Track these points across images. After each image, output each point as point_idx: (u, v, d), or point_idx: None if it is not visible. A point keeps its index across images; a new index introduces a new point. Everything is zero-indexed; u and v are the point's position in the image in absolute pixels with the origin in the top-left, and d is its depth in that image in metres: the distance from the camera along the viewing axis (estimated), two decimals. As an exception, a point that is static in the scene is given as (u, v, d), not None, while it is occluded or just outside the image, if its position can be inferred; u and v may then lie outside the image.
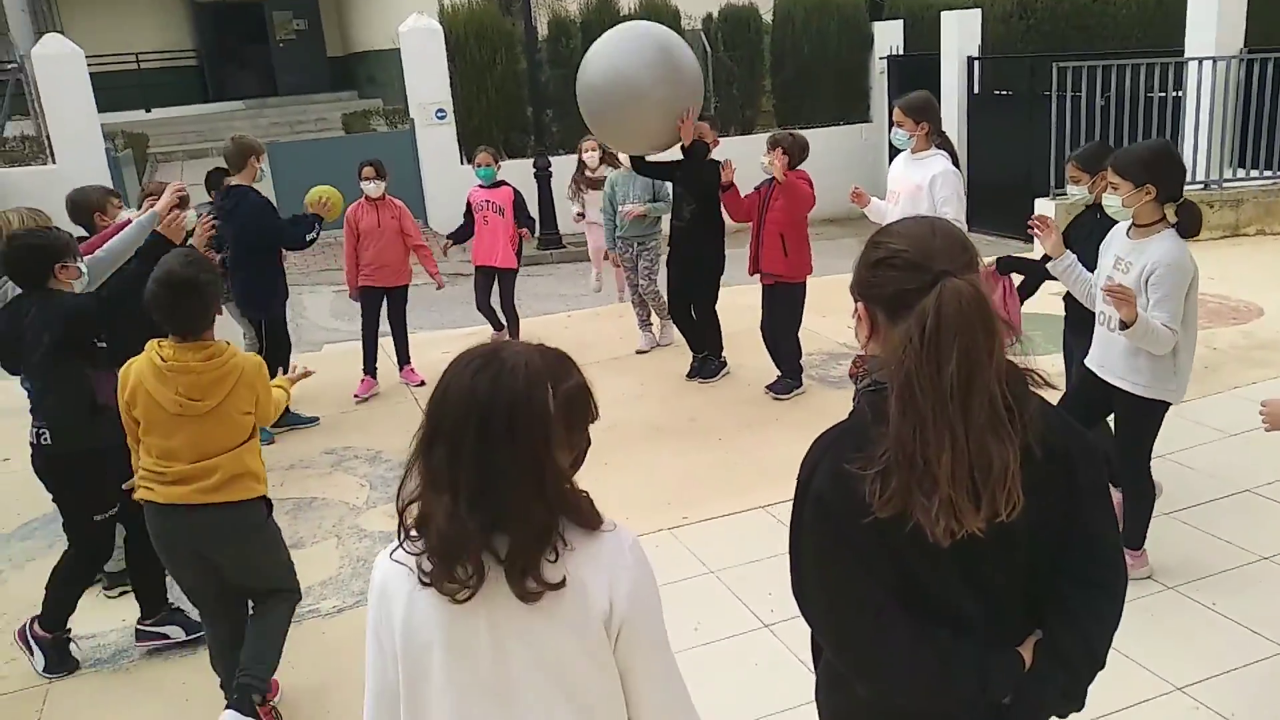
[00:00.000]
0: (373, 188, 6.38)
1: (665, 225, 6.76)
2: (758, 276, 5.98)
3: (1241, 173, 9.43)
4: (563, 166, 11.94)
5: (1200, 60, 9.40)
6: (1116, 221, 3.65)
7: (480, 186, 7.02)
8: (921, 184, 4.91)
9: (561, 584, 1.42)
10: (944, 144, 5.03)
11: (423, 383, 6.68)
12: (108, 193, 4.79)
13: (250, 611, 3.29)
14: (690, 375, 6.55)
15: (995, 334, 1.52)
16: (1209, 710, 3.10)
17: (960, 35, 12.29)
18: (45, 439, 3.51)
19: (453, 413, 1.41)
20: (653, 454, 5.44)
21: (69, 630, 3.78)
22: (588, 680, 1.47)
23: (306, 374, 3.53)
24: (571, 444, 1.51)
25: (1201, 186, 9.36)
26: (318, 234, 5.84)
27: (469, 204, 7.05)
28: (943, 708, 1.67)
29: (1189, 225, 3.52)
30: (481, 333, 7.33)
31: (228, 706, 3.11)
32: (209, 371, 2.99)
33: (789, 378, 6.05)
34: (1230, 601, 3.67)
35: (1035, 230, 3.78)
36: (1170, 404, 3.68)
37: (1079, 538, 1.67)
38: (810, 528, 1.63)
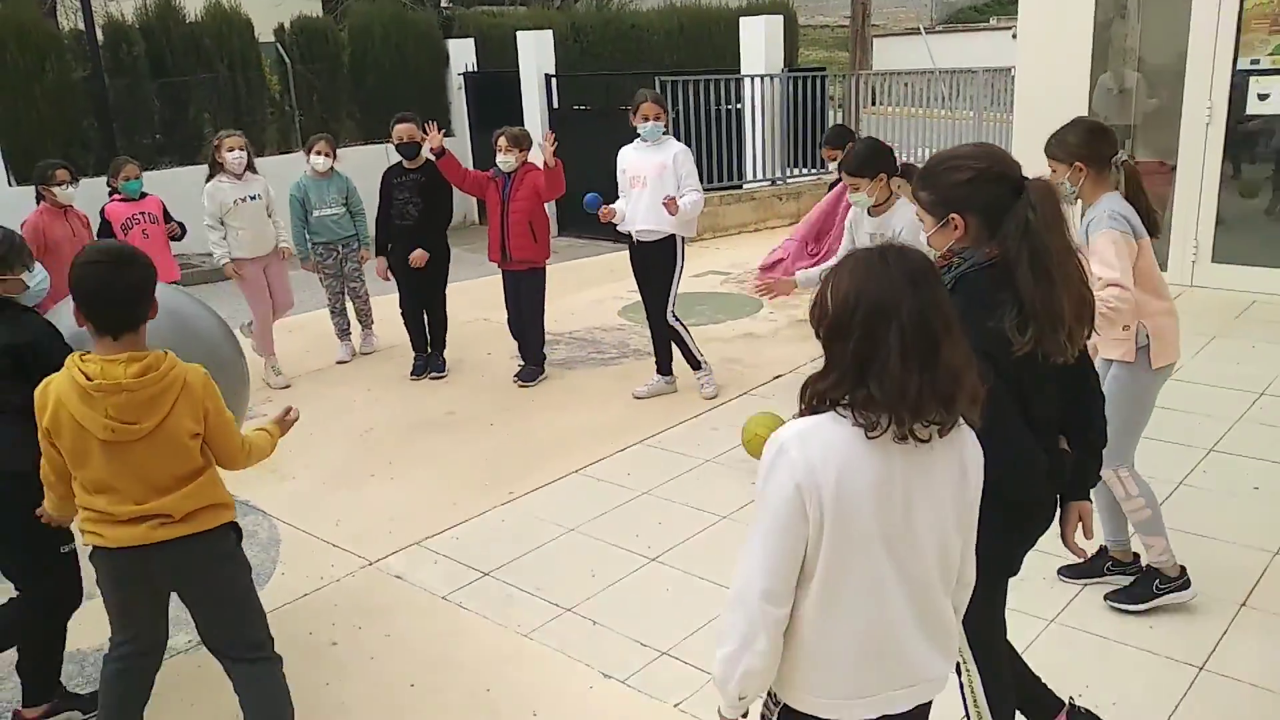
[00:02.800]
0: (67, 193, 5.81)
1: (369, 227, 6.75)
2: (496, 266, 6.24)
3: (795, 171, 11.46)
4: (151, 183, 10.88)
5: (753, 77, 11.25)
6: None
7: (122, 201, 6.30)
8: (665, 163, 5.56)
9: (929, 441, 1.75)
10: None
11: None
12: None
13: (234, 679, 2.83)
14: (415, 374, 6.59)
15: (1064, 215, 2.27)
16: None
17: (538, 54, 13.24)
18: None
19: (899, 309, 1.69)
20: (433, 449, 5.48)
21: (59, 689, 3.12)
22: (953, 539, 1.83)
23: (295, 418, 3.04)
24: None
25: (770, 183, 11.23)
26: None
27: (108, 222, 6.25)
28: (1041, 494, 2.39)
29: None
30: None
31: None
32: (143, 388, 2.50)
33: (534, 364, 6.37)
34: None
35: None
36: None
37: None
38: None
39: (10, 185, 10.75)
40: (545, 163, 5.89)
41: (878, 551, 1.74)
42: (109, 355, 2.51)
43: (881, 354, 1.68)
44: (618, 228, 5.82)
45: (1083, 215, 3.46)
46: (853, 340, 1.70)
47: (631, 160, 5.73)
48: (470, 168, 6.76)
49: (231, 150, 6.28)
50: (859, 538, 1.73)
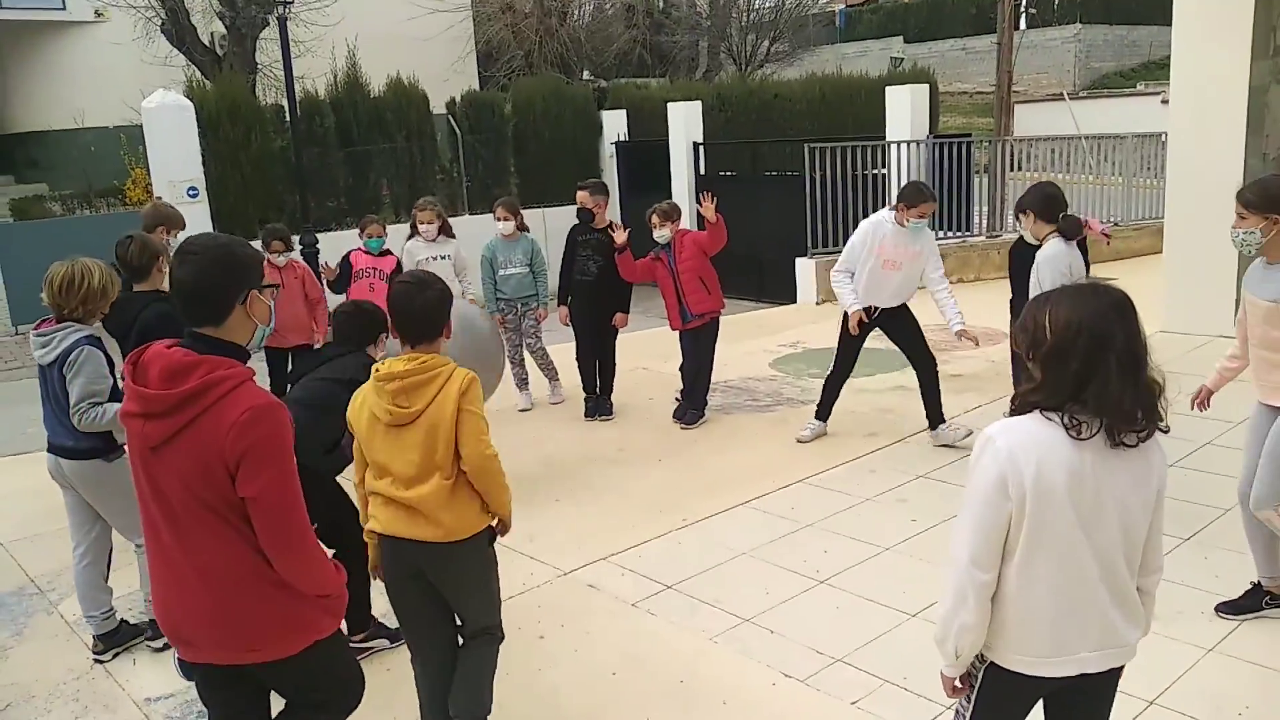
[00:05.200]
0: (281, 260, 6.64)
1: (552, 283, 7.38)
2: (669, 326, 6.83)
3: (941, 233, 11.72)
4: (331, 244, 11.98)
5: (899, 143, 11.64)
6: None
7: (365, 253, 7.10)
8: (920, 251, 6.05)
9: (1134, 445, 2.09)
10: None
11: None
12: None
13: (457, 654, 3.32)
14: (588, 415, 7.14)
15: None
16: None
17: (686, 124, 13.99)
18: None
19: (1110, 336, 2.05)
20: (608, 480, 5.97)
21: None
22: (1139, 525, 2.16)
23: None
24: None
25: (914, 244, 11.53)
26: None
27: (350, 263, 7.09)
28: None
29: (1069, 229, 5.07)
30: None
31: None
32: (412, 375, 2.99)
33: (695, 409, 6.86)
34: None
35: None
36: None
37: None
38: None
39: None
40: (707, 219, 6.43)
41: (1072, 529, 2.09)
42: (401, 357, 3.09)
43: (1100, 374, 2.04)
44: (850, 306, 6.13)
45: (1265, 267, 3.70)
46: (1074, 362, 2.06)
47: (889, 245, 6.00)
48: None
49: (424, 222, 7.16)
50: (1055, 516, 2.08)
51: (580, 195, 7.12)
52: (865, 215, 11.51)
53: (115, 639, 4.18)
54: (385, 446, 3.08)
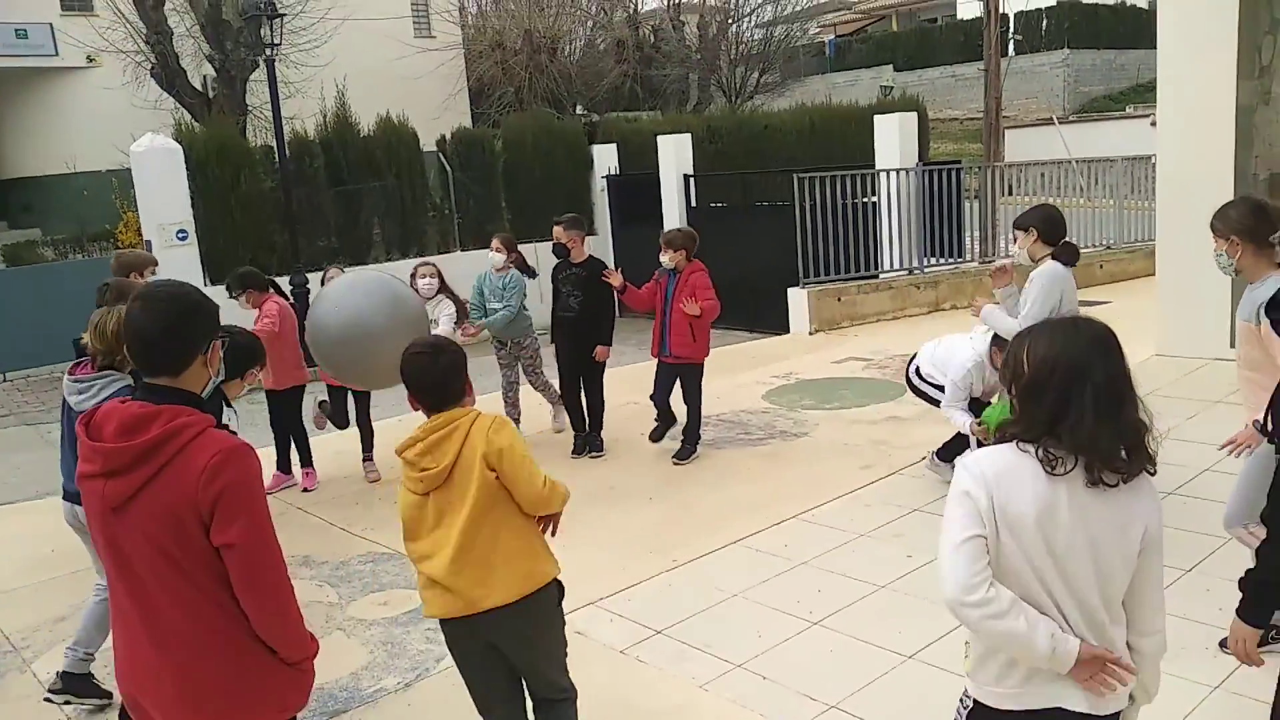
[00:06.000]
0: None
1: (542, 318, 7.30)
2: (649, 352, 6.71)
3: (932, 260, 11.68)
4: (316, 285, 11.92)
5: (888, 171, 11.63)
6: None
7: None
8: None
9: (1115, 485, 2.01)
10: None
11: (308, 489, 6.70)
12: None
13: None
14: (576, 452, 7.05)
15: None
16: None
17: (677, 156, 14.00)
18: None
19: (1089, 372, 1.99)
20: (598, 520, 5.84)
21: None
22: (1118, 574, 2.06)
23: None
24: None
25: (907, 272, 11.48)
26: None
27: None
28: None
29: (1067, 256, 4.96)
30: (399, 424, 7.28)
31: None
32: (432, 433, 2.89)
33: (689, 444, 6.75)
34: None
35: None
36: None
37: None
38: None
39: (206, 286, 11.95)
40: (689, 313, 6.45)
41: (1043, 562, 2.02)
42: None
43: (1075, 411, 1.98)
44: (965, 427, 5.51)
45: (1248, 289, 3.68)
46: (1048, 398, 2.01)
47: (990, 380, 5.59)
48: (612, 265, 7.29)
49: (423, 278, 6.92)
50: (1023, 547, 2.01)
51: (556, 230, 7.04)
52: (857, 243, 11.60)
53: (77, 685, 4.02)
54: (431, 523, 2.92)
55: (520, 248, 7.35)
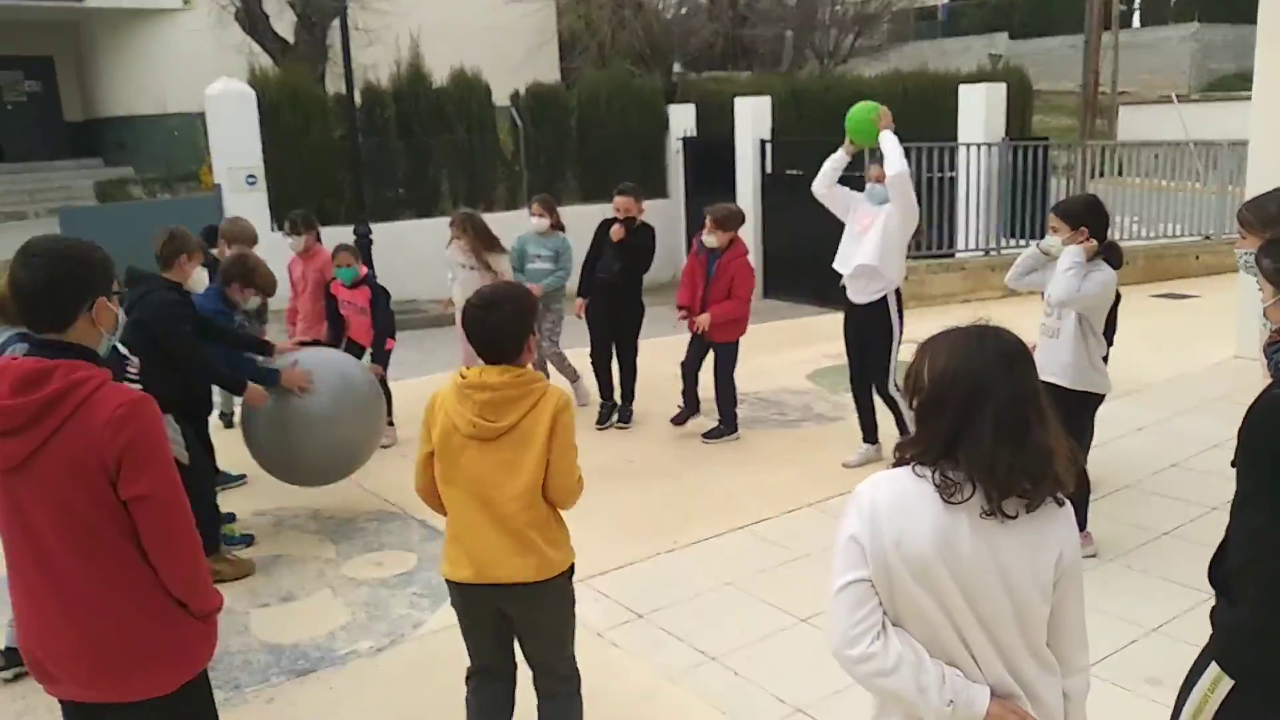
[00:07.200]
0: (293, 243, 6.45)
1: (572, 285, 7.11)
2: (685, 324, 6.47)
3: (1013, 242, 11.10)
4: (387, 234, 11.99)
5: (970, 146, 11.06)
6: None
7: (341, 285, 6.53)
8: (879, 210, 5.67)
9: (1016, 516, 1.78)
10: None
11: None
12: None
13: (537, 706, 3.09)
14: (601, 422, 6.87)
15: None
16: (1184, 643, 3.83)
17: (754, 120, 13.57)
18: None
19: (992, 390, 1.77)
20: (609, 494, 5.67)
21: None
22: (1036, 606, 1.83)
23: None
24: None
25: (983, 254, 10.95)
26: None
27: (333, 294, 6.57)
28: None
29: (1113, 259, 4.43)
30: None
31: None
32: (505, 388, 2.78)
33: (725, 423, 6.51)
34: (1157, 566, 4.52)
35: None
36: (1098, 399, 4.53)
37: None
38: None
39: (273, 231, 12.10)
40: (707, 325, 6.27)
41: (952, 599, 1.79)
42: (488, 367, 2.85)
43: (974, 431, 1.75)
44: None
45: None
46: (948, 414, 1.78)
47: (858, 205, 5.90)
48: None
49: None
50: (928, 582, 1.79)
51: (622, 201, 6.77)
52: (933, 219, 11.10)
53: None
54: (468, 462, 2.83)
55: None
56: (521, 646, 3.04)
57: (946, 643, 1.82)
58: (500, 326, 2.82)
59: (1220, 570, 2.16)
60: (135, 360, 3.89)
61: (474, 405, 2.79)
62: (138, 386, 3.83)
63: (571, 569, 3.00)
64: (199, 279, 4.76)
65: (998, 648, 1.82)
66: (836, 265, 5.87)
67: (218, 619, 2.49)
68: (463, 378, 2.84)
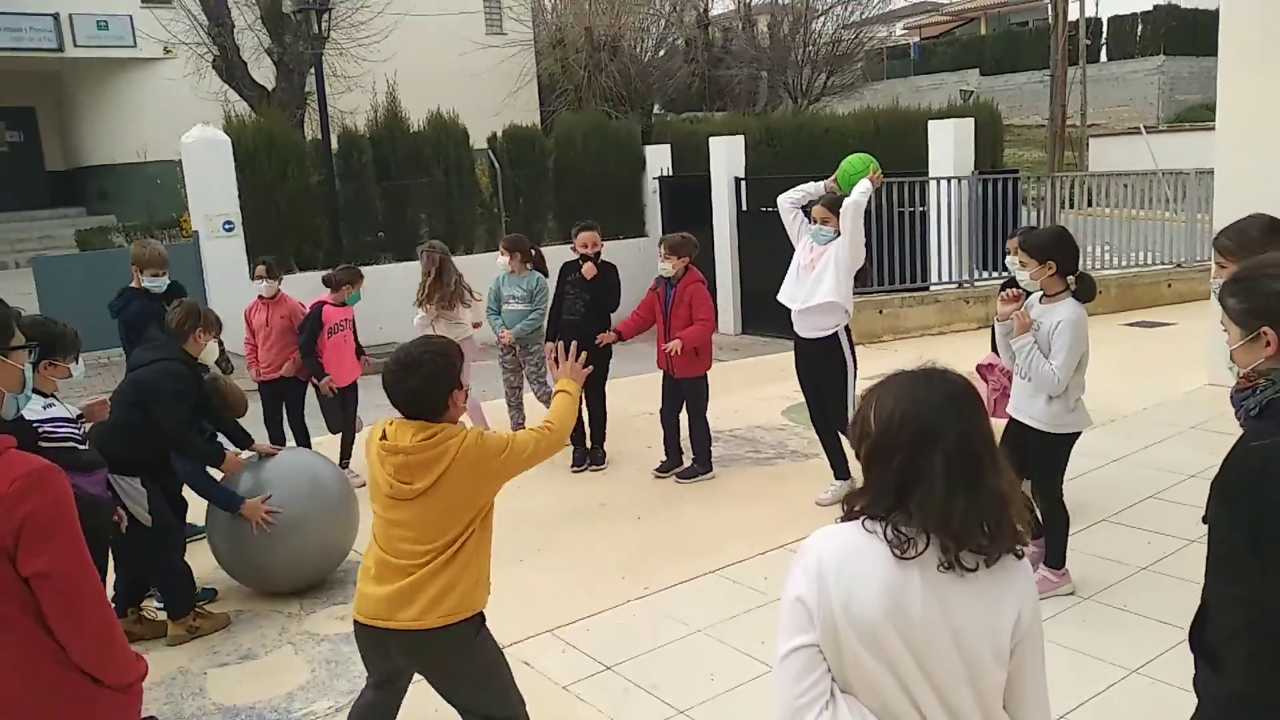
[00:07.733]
0: (265, 287, 6.47)
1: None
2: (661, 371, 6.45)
3: (985, 274, 11.14)
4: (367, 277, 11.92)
5: (940, 180, 11.13)
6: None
7: (334, 307, 6.71)
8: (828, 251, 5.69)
9: (975, 569, 1.71)
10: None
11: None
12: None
13: None
14: (577, 465, 6.80)
15: None
16: (1164, 684, 3.77)
17: (728, 159, 13.63)
18: None
19: (943, 434, 1.70)
20: (581, 538, 5.63)
21: None
22: (990, 671, 1.74)
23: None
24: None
25: (956, 285, 10.97)
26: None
27: (321, 318, 6.62)
28: None
29: (1085, 292, 4.37)
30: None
31: None
32: (419, 453, 2.80)
33: (698, 463, 6.46)
34: (1135, 603, 4.46)
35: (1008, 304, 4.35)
36: (1075, 435, 4.47)
37: None
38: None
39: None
40: (677, 351, 6.21)
41: (903, 662, 1.71)
42: (406, 423, 2.87)
43: (925, 477, 1.68)
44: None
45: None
46: (896, 461, 1.72)
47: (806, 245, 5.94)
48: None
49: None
50: (877, 646, 1.70)
51: (586, 237, 6.79)
52: (905, 253, 11.13)
53: None
54: (389, 513, 2.90)
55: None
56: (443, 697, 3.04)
57: (898, 710, 1.73)
58: (417, 391, 2.84)
59: (1202, 639, 2.02)
60: (80, 423, 3.86)
61: (390, 468, 2.83)
62: (84, 447, 3.78)
63: (480, 617, 2.98)
64: (210, 352, 4.89)
65: (951, 713, 1.74)
66: (783, 299, 5.88)
67: (142, 685, 2.35)
68: (384, 436, 2.86)
